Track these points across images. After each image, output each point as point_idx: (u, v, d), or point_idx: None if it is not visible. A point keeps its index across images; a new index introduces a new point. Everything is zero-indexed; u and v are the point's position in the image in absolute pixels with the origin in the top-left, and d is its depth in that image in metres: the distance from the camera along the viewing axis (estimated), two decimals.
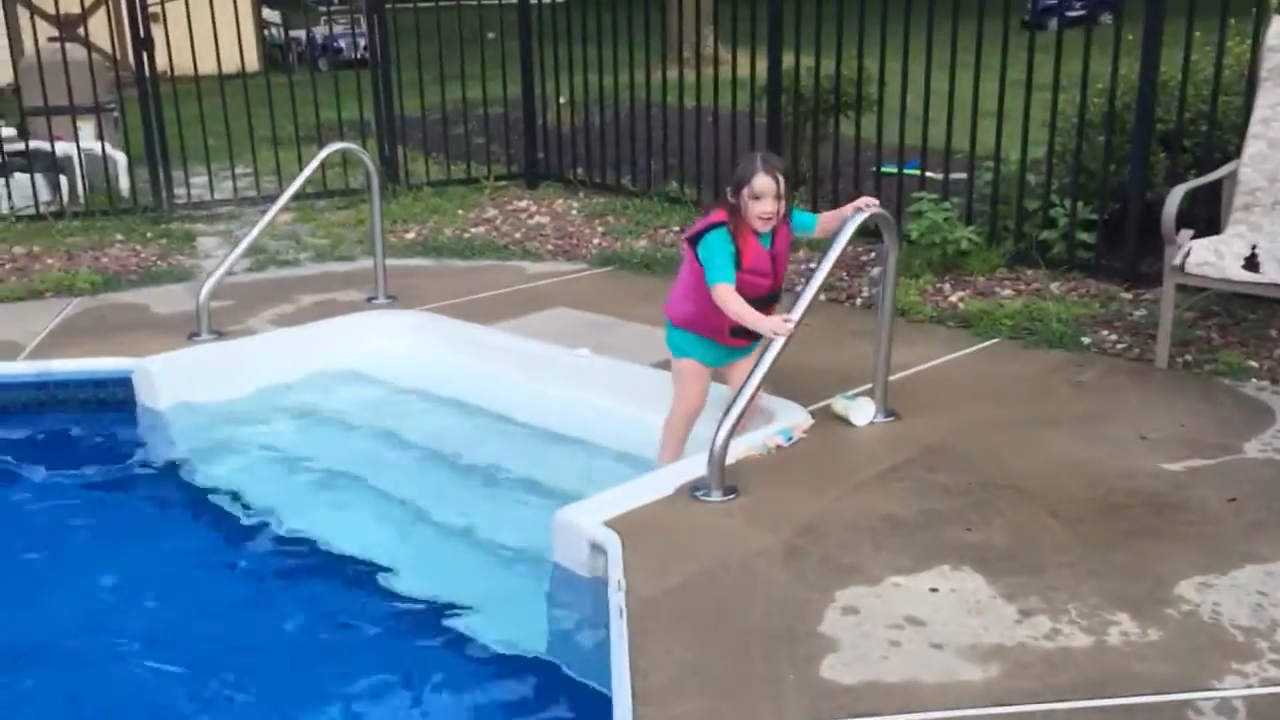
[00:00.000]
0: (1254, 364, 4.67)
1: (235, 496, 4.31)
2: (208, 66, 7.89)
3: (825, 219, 4.06)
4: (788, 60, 7.00)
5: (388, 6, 8.26)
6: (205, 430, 4.81)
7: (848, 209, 3.94)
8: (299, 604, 3.69)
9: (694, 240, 3.86)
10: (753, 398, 3.63)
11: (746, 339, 3.95)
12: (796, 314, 3.67)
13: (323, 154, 5.73)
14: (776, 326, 3.66)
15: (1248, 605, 2.92)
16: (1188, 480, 3.67)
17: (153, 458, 4.73)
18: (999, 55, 5.88)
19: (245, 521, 4.16)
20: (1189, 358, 4.76)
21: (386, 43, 8.24)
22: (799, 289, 3.76)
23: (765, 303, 3.84)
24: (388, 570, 3.74)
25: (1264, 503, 3.48)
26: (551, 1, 8.65)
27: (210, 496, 4.35)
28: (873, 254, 6.29)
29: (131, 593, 3.76)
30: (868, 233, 3.96)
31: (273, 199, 7.97)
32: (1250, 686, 2.58)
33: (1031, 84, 5.86)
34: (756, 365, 3.64)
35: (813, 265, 4.05)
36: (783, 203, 3.80)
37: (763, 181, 3.75)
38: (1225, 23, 5.37)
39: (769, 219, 3.79)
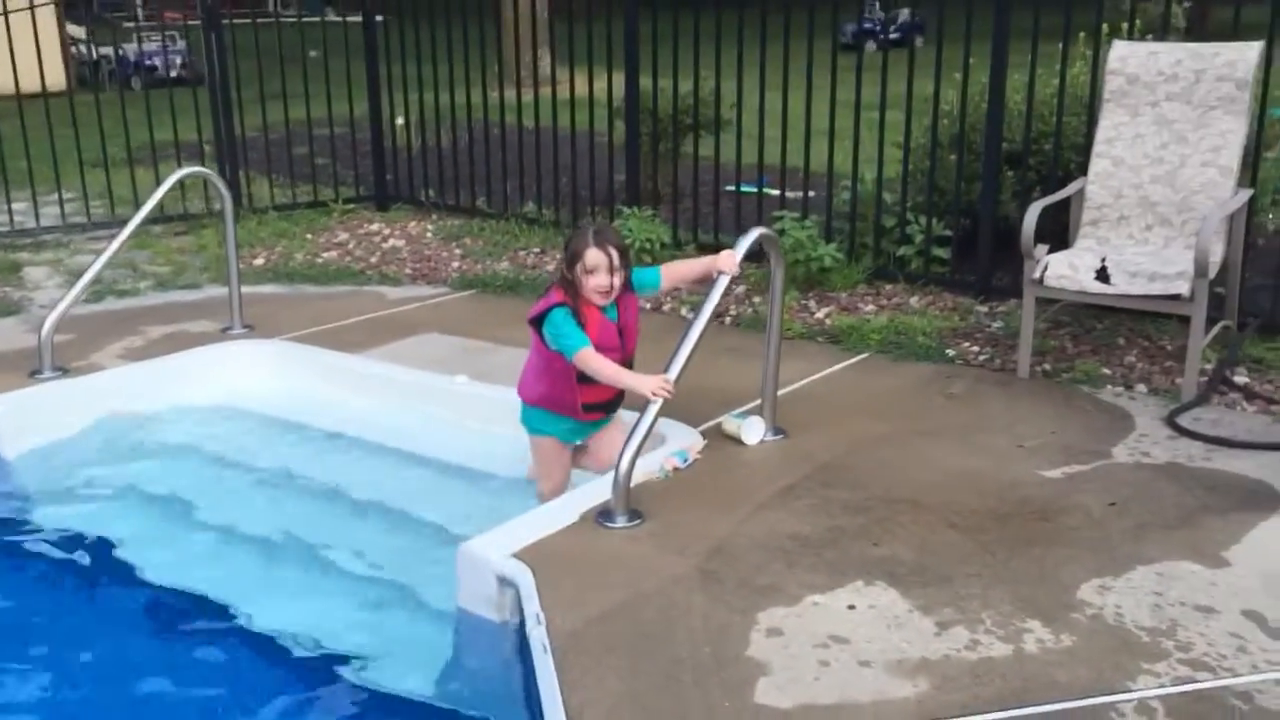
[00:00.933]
0: (1107, 371, 4.91)
1: (93, 544, 4.02)
2: (4, 85, 7.38)
3: (672, 269, 3.98)
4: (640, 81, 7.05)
5: (224, 23, 7.93)
6: (56, 475, 4.50)
7: (704, 260, 3.94)
8: (166, 661, 3.43)
9: (536, 322, 3.76)
10: (644, 440, 3.57)
11: (602, 412, 3.93)
12: (674, 373, 3.62)
13: (174, 177, 5.44)
14: (657, 388, 3.58)
15: (1146, 606, 3.06)
16: (1068, 487, 3.82)
17: None
18: (846, 77, 6.05)
19: (105, 570, 3.89)
20: (1047, 367, 4.98)
21: (225, 60, 7.90)
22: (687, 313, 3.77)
23: None
24: (267, 618, 3.53)
25: (1142, 505, 3.66)
26: (383, 20, 8.45)
27: (65, 545, 4.05)
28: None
29: None
30: (747, 255, 3.96)
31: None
32: (1164, 686, 2.69)
33: (885, 104, 6.05)
34: (635, 427, 3.55)
35: (688, 309, 4.05)
36: (618, 275, 3.69)
37: (594, 256, 3.64)
38: (1068, 48, 5.66)
39: (606, 293, 3.70)
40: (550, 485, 4.01)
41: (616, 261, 3.68)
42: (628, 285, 3.80)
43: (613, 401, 3.92)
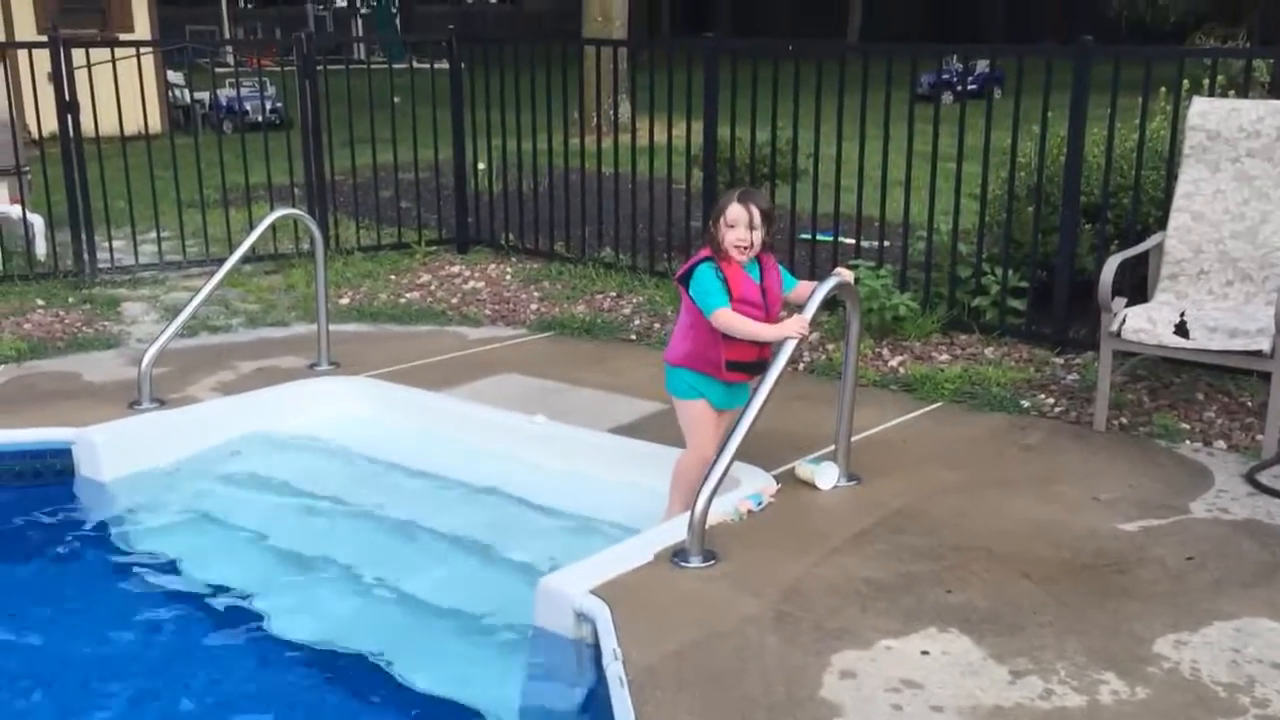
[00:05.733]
0: (1185, 426, 4.89)
1: (186, 572, 4.19)
2: (108, 128, 7.69)
3: (800, 287, 4.14)
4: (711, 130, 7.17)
5: (318, 69, 8.22)
6: (153, 503, 4.67)
7: (811, 291, 4.02)
8: (257, 688, 3.57)
9: (684, 279, 3.95)
10: (742, 439, 3.66)
11: (745, 374, 4.00)
12: (809, 313, 3.81)
13: (270, 218, 5.67)
14: (793, 327, 3.77)
15: (1224, 662, 3.05)
16: (1145, 540, 3.82)
17: (96, 532, 4.56)
18: (923, 128, 6.12)
19: (198, 598, 4.03)
20: (1124, 420, 4.97)
21: (317, 106, 8.18)
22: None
23: (759, 343, 3.92)
24: (353, 647, 3.65)
25: (1220, 561, 3.64)
26: (431, 67, 8.63)
27: (160, 572, 4.21)
28: None
29: (81, 677, 3.60)
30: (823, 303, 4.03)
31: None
32: None
33: (962, 155, 6.09)
34: (767, 373, 3.72)
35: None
36: (757, 232, 3.89)
37: (735, 211, 3.88)
38: (1148, 102, 5.68)
39: (743, 248, 3.89)
40: (697, 456, 4.01)
41: (757, 219, 3.88)
42: (770, 247, 4.00)
43: (756, 363, 3.97)
